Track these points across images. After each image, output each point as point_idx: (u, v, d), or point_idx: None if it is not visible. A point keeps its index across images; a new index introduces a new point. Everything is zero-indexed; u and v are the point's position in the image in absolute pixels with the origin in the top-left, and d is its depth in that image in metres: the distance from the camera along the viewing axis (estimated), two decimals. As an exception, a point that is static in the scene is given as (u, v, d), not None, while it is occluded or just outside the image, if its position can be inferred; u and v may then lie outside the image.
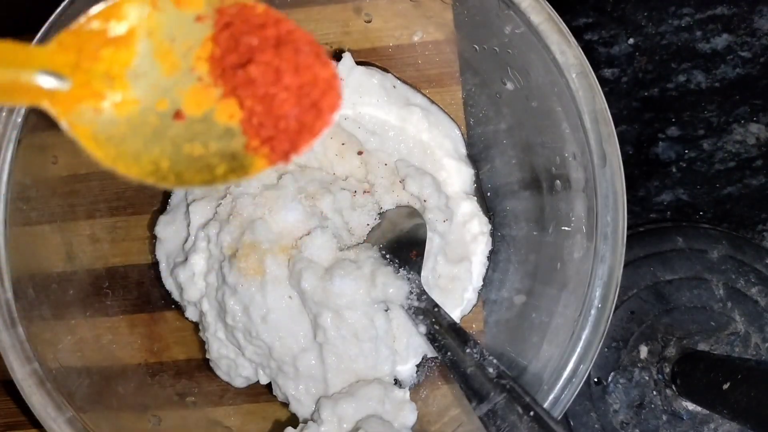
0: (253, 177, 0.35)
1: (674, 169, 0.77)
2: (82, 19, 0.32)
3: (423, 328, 0.59)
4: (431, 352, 0.64)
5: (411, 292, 0.59)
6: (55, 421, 0.51)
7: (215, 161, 0.34)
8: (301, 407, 0.61)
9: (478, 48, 0.62)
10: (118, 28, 0.33)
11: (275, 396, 0.64)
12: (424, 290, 0.60)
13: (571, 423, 0.69)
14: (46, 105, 0.32)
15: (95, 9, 0.32)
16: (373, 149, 0.65)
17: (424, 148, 0.65)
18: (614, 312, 0.52)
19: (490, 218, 0.67)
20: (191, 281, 0.62)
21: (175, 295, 0.66)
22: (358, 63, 0.65)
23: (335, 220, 0.62)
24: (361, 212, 0.64)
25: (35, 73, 0.31)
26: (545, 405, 0.52)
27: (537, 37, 0.52)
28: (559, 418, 0.51)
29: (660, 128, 0.77)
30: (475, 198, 0.67)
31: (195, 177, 0.34)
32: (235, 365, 0.64)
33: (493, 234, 0.67)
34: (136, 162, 0.33)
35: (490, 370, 0.53)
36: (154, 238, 0.66)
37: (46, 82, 0.31)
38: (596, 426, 0.69)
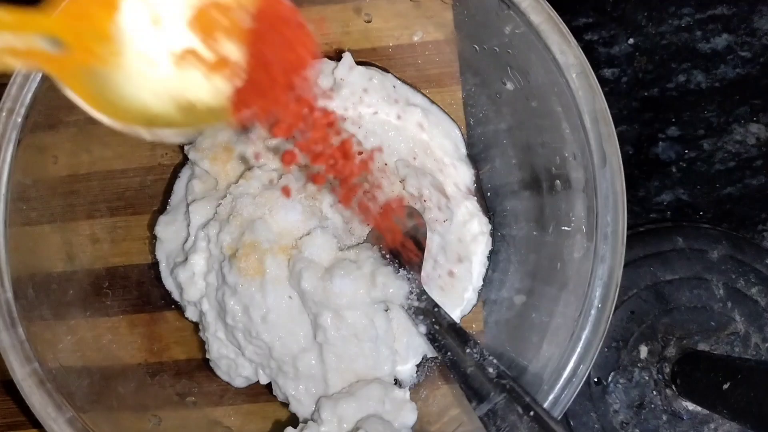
0: (230, 121, 0.38)
1: (674, 169, 0.77)
2: None
3: (423, 328, 0.59)
4: (431, 352, 0.64)
5: (411, 292, 0.59)
6: (55, 421, 0.51)
7: (193, 97, 0.38)
8: (301, 407, 0.61)
9: (478, 48, 0.62)
10: None
11: (275, 396, 0.64)
12: (424, 290, 0.60)
13: (571, 423, 0.69)
14: (46, 68, 0.34)
15: None
16: (373, 149, 0.65)
17: (424, 148, 0.65)
18: (614, 312, 0.52)
19: (490, 218, 0.67)
20: (191, 281, 0.62)
21: (175, 295, 0.66)
22: (358, 63, 0.65)
23: (335, 220, 0.62)
24: (361, 212, 0.64)
25: (36, 37, 0.33)
26: (545, 405, 0.52)
27: (537, 37, 0.52)
28: (559, 418, 0.51)
29: (660, 128, 0.77)
30: (475, 198, 0.67)
31: (179, 118, 0.37)
32: (235, 365, 0.64)
33: (493, 234, 0.67)
34: (128, 111, 0.37)
35: (490, 370, 0.53)
36: (154, 238, 0.66)
37: (47, 46, 0.34)
38: (596, 426, 0.69)
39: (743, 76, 0.76)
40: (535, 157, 0.61)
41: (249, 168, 0.64)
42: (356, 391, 0.59)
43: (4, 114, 0.52)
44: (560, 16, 0.52)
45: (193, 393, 0.66)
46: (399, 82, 0.66)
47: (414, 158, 0.65)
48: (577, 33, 0.76)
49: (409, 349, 0.64)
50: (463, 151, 0.67)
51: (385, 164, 0.65)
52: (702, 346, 0.68)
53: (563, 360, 0.52)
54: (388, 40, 0.66)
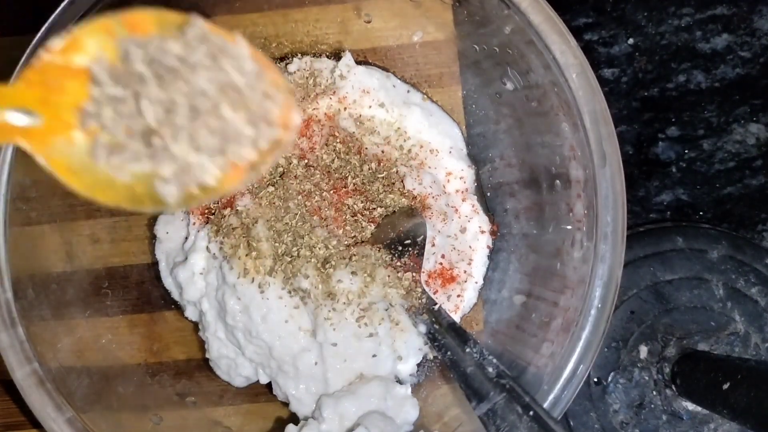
0: (225, 194, 0.36)
1: (674, 169, 0.76)
2: (44, 55, 0.33)
3: (423, 328, 0.59)
4: (431, 352, 0.64)
5: (411, 292, 0.59)
6: (55, 421, 0.51)
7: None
8: (302, 406, 0.61)
9: (478, 48, 0.62)
10: (79, 60, 0.34)
11: (275, 396, 0.64)
12: (424, 289, 0.60)
13: (571, 423, 0.69)
14: (20, 141, 0.33)
15: (55, 43, 0.33)
16: (373, 149, 0.65)
17: (424, 148, 0.65)
18: (614, 312, 0.52)
19: (490, 217, 0.67)
20: (191, 281, 0.62)
21: (175, 295, 0.66)
22: (358, 63, 0.65)
23: (335, 218, 0.62)
24: (361, 212, 0.64)
25: (5, 110, 0.32)
26: (545, 405, 0.52)
27: (537, 37, 0.52)
28: (559, 418, 0.51)
29: (660, 128, 0.77)
30: (475, 197, 0.67)
31: (164, 198, 0.35)
32: (235, 365, 0.64)
33: (493, 233, 0.67)
34: (112, 188, 0.35)
35: (490, 369, 0.53)
36: (154, 237, 0.66)
37: (18, 119, 0.32)
38: (596, 426, 0.69)
39: (743, 76, 0.76)
40: (535, 156, 0.61)
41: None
42: (357, 389, 0.59)
43: (4, 114, 0.52)
44: (560, 16, 0.52)
45: (193, 393, 0.66)
46: (399, 81, 0.66)
47: (414, 157, 0.65)
48: (577, 33, 0.76)
49: (409, 348, 0.64)
50: (464, 150, 0.67)
51: (386, 162, 0.65)
52: (702, 346, 0.68)
53: (563, 360, 0.52)
54: (388, 40, 0.66)
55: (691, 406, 0.67)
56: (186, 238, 0.64)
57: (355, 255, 0.60)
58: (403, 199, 0.64)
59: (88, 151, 0.34)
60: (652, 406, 0.68)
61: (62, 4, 0.51)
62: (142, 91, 0.34)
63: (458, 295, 0.65)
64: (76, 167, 0.34)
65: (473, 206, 0.66)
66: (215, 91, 0.34)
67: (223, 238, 0.60)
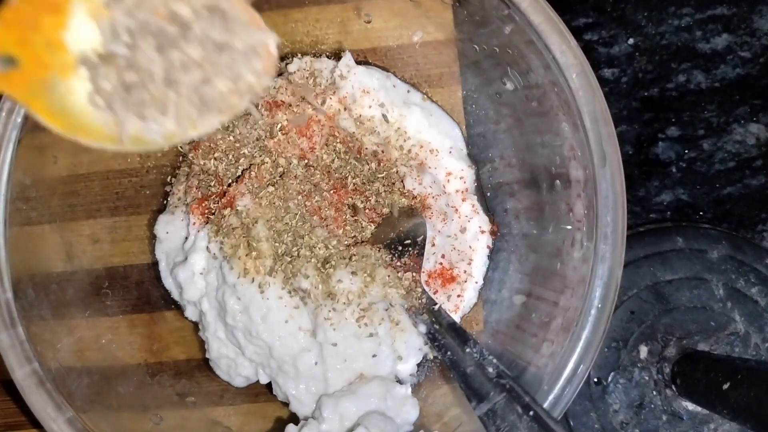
0: (203, 133, 0.36)
1: (674, 169, 0.76)
2: None
3: (423, 328, 0.59)
4: (431, 352, 0.64)
5: (411, 291, 0.59)
6: (55, 421, 0.51)
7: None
8: (302, 406, 0.61)
9: (478, 48, 0.62)
10: None
11: (275, 396, 0.64)
12: (424, 289, 0.60)
13: (571, 423, 0.69)
14: (3, 88, 0.32)
15: None
16: (373, 149, 0.65)
17: (424, 148, 0.65)
18: (614, 312, 0.52)
19: (490, 217, 0.67)
20: (191, 281, 0.62)
21: (175, 295, 0.66)
22: (358, 63, 0.65)
23: (335, 219, 0.62)
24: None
25: None
26: (545, 405, 0.52)
27: (537, 37, 0.52)
28: (559, 418, 0.51)
29: (660, 128, 0.77)
30: (476, 197, 0.67)
31: (147, 137, 0.35)
32: (235, 365, 0.64)
33: (493, 233, 0.67)
34: (94, 129, 0.34)
35: (490, 369, 0.53)
36: (154, 237, 0.66)
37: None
38: (596, 426, 0.69)
39: (743, 76, 0.76)
40: (535, 156, 0.61)
41: (248, 167, 0.64)
42: (357, 389, 0.59)
43: (4, 114, 0.52)
44: (560, 16, 0.52)
45: (193, 393, 0.66)
46: (399, 81, 0.66)
47: (414, 157, 0.65)
48: (577, 33, 0.76)
49: (409, 348, 0.64)
50: (464, 150, 0.67)
51: (386, 162, 0.65)
52: (702, 346, 0.68)
53: (563, 360, 0.52)
54: (388, 40, 0.66)
55: (691, 406, 0.67)
56: (186, 238, 0.64)
57: (355, 255, 0.60)
58: (403, 199, 0.64)
59: (67, 94, 0.34)
60: (652, 406, 0.68)
61: None
62: (136, 44, 0.33)
63: (458, 295, 0.65)
64: (56, 108, 0.34)
65: (473, 206, 0.66)
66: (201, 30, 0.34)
67: (223, 238, 0.60)
